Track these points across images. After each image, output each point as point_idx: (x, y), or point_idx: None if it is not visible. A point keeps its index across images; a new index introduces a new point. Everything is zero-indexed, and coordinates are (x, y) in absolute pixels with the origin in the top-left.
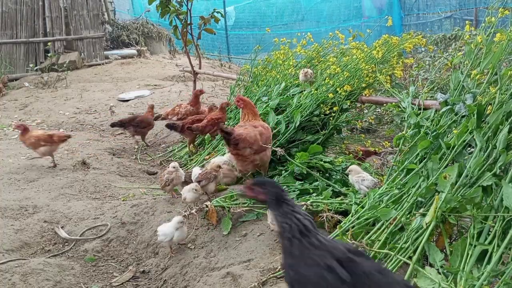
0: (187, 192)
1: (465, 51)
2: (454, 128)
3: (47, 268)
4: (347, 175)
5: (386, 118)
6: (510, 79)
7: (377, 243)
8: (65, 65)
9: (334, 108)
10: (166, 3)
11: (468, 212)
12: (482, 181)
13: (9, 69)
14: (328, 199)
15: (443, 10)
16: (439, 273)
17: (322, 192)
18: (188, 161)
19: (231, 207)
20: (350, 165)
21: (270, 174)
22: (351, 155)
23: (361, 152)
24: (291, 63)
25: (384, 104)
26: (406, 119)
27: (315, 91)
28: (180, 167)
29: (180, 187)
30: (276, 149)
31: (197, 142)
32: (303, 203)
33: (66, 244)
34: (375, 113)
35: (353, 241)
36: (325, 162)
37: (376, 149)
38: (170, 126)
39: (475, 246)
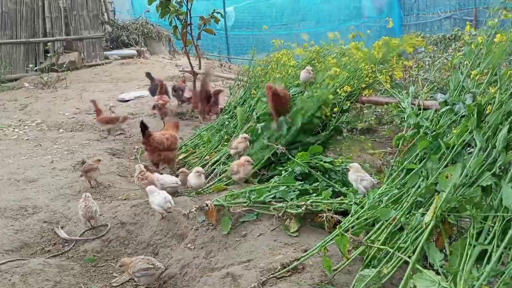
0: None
1: (465, 52)
2: (453, 128)
3: (47, 269)
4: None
5: (386, 118)
6: (510, 79)
7: (376, 243)
8: (64, 65)
9: (335, 109)
10: (166, 4)
11: (467, 212)
12: (482, 181)
13: (9, 69)
14: (328, 199)
15: (443, 11)
16: (439, 273)
17: (322, 192)
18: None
19: (231, 206)
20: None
21: (270, 174)
22: (350, 155)
23: None
24: (291, 64)
25: (384, 105)
26: (405, 119)
27: (317, 94)
28: (181, 167)
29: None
30: (277, 147)
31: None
32: (303, 203)
33: (66, 244)
34: (375, 113)
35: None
36: (325, 162)
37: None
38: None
39: (474, 246)
